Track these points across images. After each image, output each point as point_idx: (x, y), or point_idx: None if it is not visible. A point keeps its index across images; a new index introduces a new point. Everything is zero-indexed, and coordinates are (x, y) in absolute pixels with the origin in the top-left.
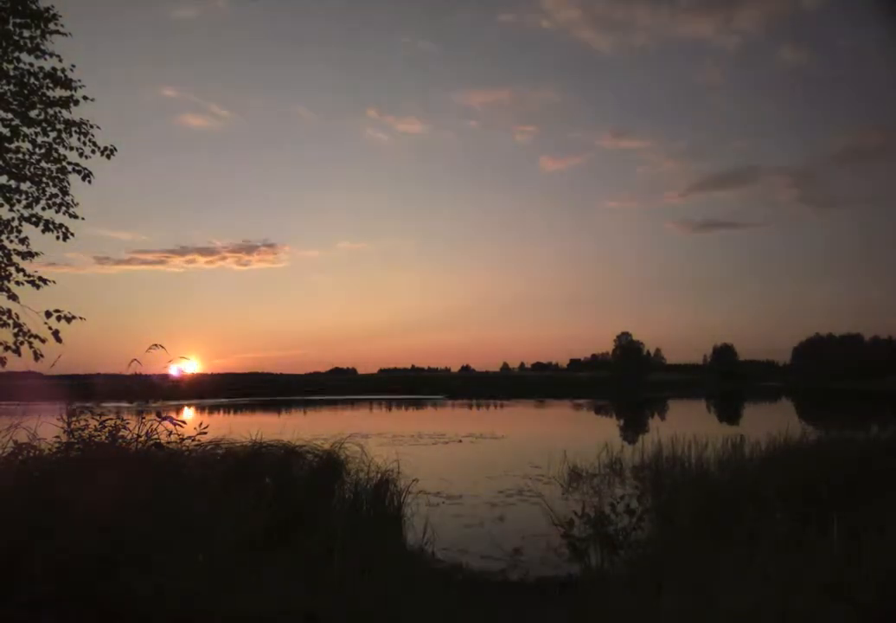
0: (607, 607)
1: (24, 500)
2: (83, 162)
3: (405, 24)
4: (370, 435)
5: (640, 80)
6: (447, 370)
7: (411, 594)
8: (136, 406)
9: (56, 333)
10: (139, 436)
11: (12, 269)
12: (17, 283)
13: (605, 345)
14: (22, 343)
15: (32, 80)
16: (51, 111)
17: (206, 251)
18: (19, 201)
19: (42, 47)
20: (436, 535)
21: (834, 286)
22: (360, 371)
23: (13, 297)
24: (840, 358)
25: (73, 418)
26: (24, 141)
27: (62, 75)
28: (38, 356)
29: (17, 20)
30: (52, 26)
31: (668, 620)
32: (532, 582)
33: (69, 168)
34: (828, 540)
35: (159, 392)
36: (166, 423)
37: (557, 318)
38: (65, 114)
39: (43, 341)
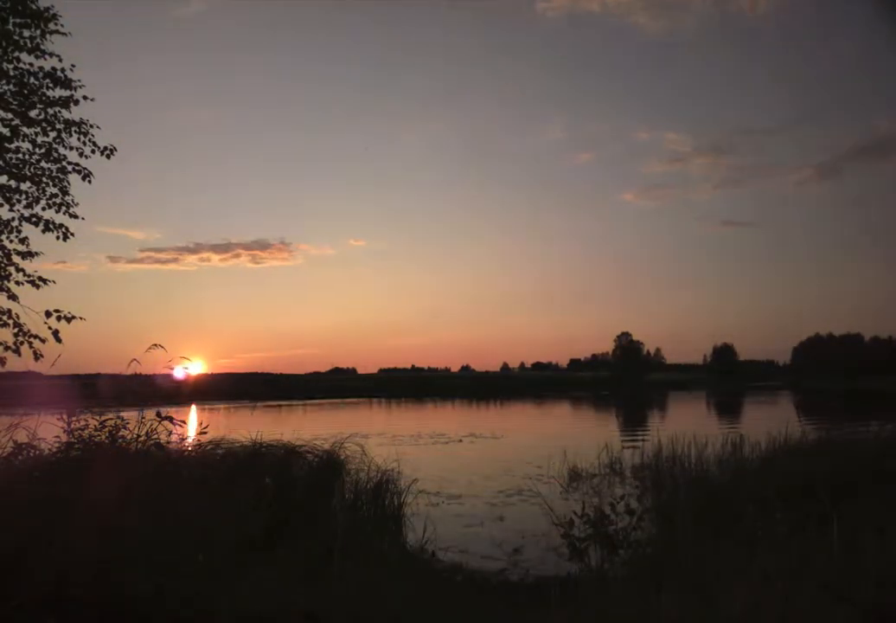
0: (607, 607)
1: (24, 500)
2: (83, 162)
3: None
4: (370, 435)
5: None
6: (447, 370)
7: (411, 594)
8: (136, 408)
9: (56, 333)
10: (139, 436)
11: (12, 269)
12: (17, 283)
13: (605, 345)
14: (22, 343)
15: (32, 79)
16: (51, 111)
17: (221, 248)
18: (19, 201)
19: (42, 47)
20: (436, 534)
21: (835, 285)
22: (360, 371)
23: (13, 296)
24: (840, 358)
25: (73, 418)
26: (24, 141)
27: (62, 75)
28: (37, 356)
29: (17, 20)
30: (52, 26)
31: (668, 620)
32: (532, 582)
33: (69, 168)
34: (828, 540)
35: (157, 394)
36: (166, 423)
37: (557, 318)
38: (65, 114)
39: (43, 341)
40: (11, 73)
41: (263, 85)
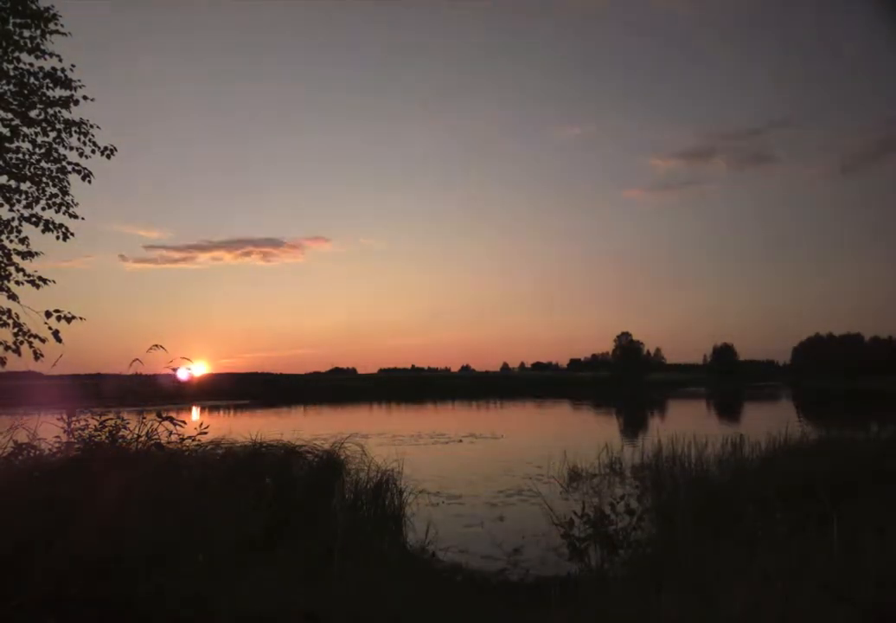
0: (607, 607)
1: (24, 500)
2: (83, 162)
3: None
4: (370, 435)
5: None
6: (447, 370)
7: (411, 594)
8: (137, 408)
9: (56, 333)
10: (139, 436)
11: (12, 269)
12: (17, 282)
13: (605, 345)
14: (22, 343)
15: (32, 79)
16: (51, 111)
17: (232, 246)
18: (19, 201)
19: (42, 47)
20: (436, 534)
21: (835, 285)
22: (360, 371)
23: (13, 296)
24: (840, 358)
25: (73, 418)
26: (24, 141)
27: (62, 75)
28: (38, 356)
29: (17, 20)
30: (52, 26)
31: (668, 620)
32: (532, 582)
33: (69, 168)
34: (828, 540)
35: (158, 394)
36: (166, 423)
37: (557, 318)
38: (65, 114)
39: (43, 341)
40: (11, 73)
41: (264, 84)
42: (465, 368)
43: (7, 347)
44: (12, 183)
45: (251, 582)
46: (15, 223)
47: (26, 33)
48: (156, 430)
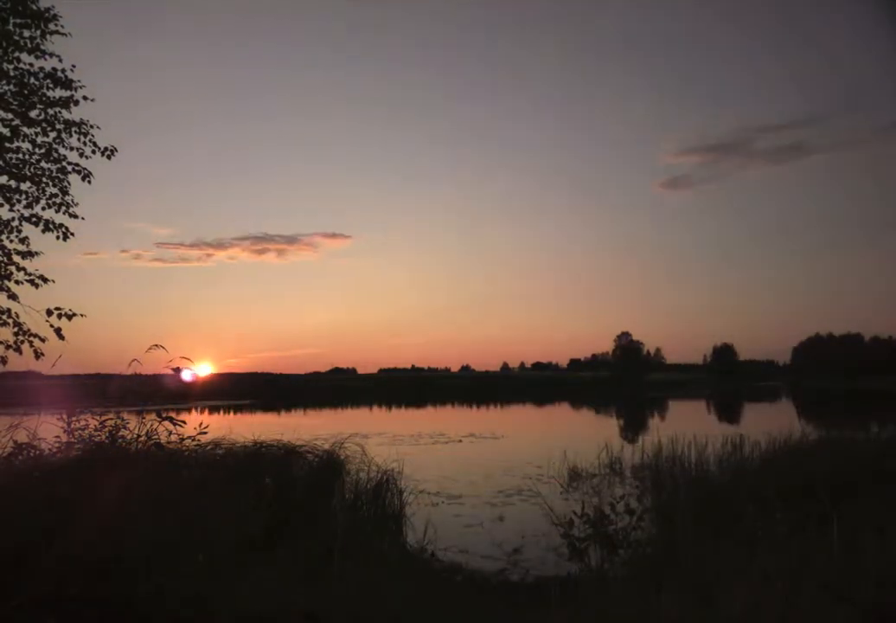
0: (607, 607)
1: (24, 500)
2: (83, 162)
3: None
4: (370, 435)
5: None
6: (447, 370)
7: (411, 594)
8: (137, 408)
9: (59, 331)
10: (139, 436)
11: (13, 269)
12: (17, 282)
13: (605, 345)
14: (23, 342)
15: (32, 80)
16: (51, 111)
17: (239, 244)
18: (19, 201)
19: (42, 47)
20: (436, 534)
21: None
22: (360, 371)
23: (13, 296)
24: (840, 358)
25: (73, 418)
26: (24, 141)
27: (62, 76)
28: (38, 355)
29: (17, 20)
30: (52, 26)
31: (668, 620)
32: (532, 582)
33: (69, 168)
34: (828, 540)
35: (158, 394)
36: (166, 423)
37: (558, 318)
38: (65, 114)
39: (43, 340)
40: (12, 74)
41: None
42: (465, 368)
43: (8, 346)
44: (12, 183)
45: (251, 582)
46: (15, 223)
47: (26, 33)
48: (156, 430)
